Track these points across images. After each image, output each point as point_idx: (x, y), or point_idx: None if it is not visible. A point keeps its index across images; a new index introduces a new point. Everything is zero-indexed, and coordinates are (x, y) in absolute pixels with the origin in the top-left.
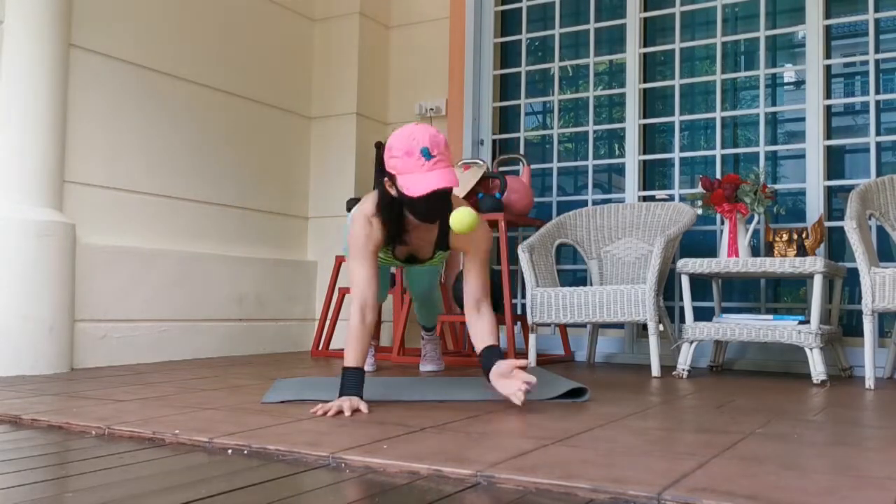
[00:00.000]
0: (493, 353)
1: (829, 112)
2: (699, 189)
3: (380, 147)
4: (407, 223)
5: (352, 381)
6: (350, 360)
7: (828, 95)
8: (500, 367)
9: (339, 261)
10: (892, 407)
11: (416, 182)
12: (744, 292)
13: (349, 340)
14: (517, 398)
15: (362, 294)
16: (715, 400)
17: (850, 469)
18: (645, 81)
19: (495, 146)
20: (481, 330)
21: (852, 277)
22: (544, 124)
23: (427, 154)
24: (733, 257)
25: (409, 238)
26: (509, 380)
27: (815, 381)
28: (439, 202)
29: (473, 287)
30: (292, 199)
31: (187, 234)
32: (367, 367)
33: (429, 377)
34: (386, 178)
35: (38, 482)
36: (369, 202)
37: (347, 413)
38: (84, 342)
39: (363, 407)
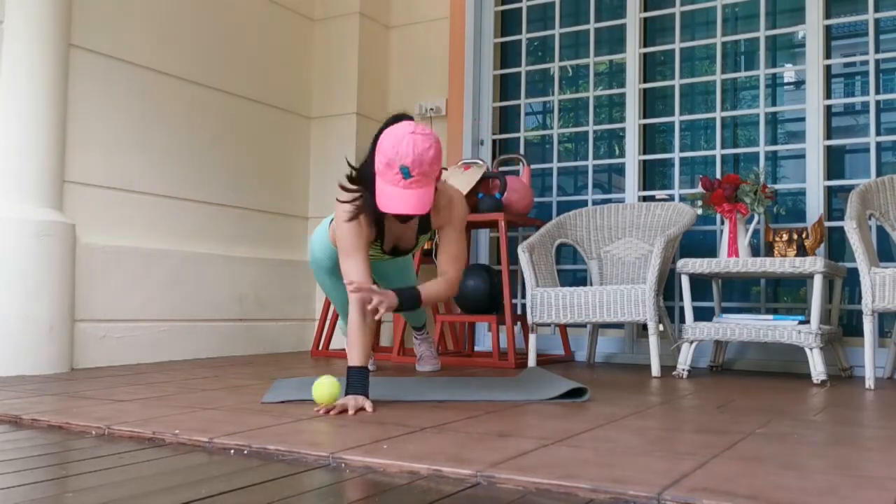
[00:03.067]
0: (405, 291)
1: (829, 112)
2: (699, 189)
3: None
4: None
5: (356, 380)
6: (354, 360)
7: (828, 95)
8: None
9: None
10: (892, 407)
11: (387, 196)
12: (744, 292)
13: (351, 339)
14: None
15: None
16: (715, 400)
17: (850, 469)
18: (645, 81)
19: (495, 146)
20: (434, 283)
21: (852, 277)
22: (544, 124)
23: (406, 173)
24: (733, 257)
25: (392, 224)
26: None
27: (815, 381)
28: (406, 217)
29: (442, 258)
30: (292, 199)
31: (187, 234)
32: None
33: (428, 377)
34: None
35: (38, 482)
36: (345, 204)
37: (351, 412)
38: (84, 342)
39: (368, 406)
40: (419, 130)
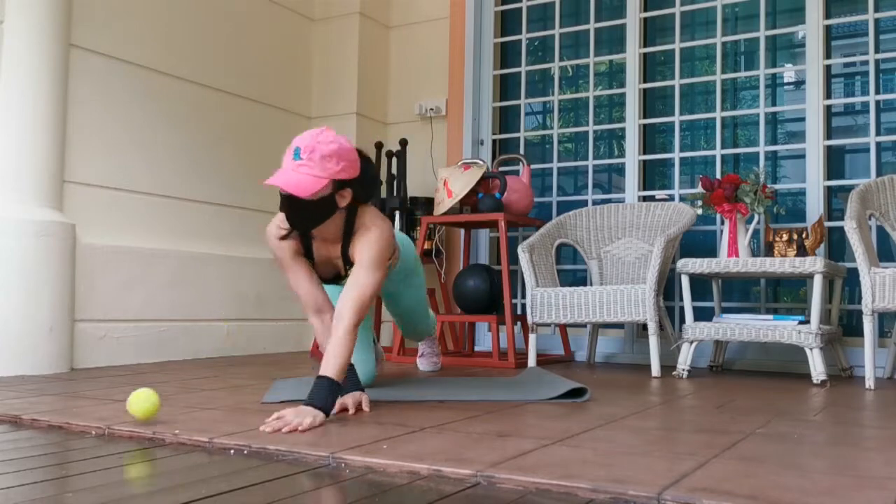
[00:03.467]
0: (321, 389)
1: (829, 112)
2: (699, 189)
3: (380, 147)
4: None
5: (346, 379)
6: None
7: (828, 95)
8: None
9: None
10: (892, 407)
11: (276, 174)
12: (744, 292)
13: (326, 350)
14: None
15: (309, 299)
16: (715, 400)
17: (850, 469)
18: (645, 81)
19: (495, 146)
20: (329, 348)
21: (852, 277)
22: (544, 124)
23: (297, 154)
24: (733, 257)
25: (318, 247)
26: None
27: (815, 381)
28: (290, 204)
29: (343, 296)
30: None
31: (187, 234)
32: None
33: (429, 377)
34: None
35: (38, 482)
36: (279, 217)
37: (352, 410)
38: (84, 342)
39: (365, 404)
40: (333, 133)
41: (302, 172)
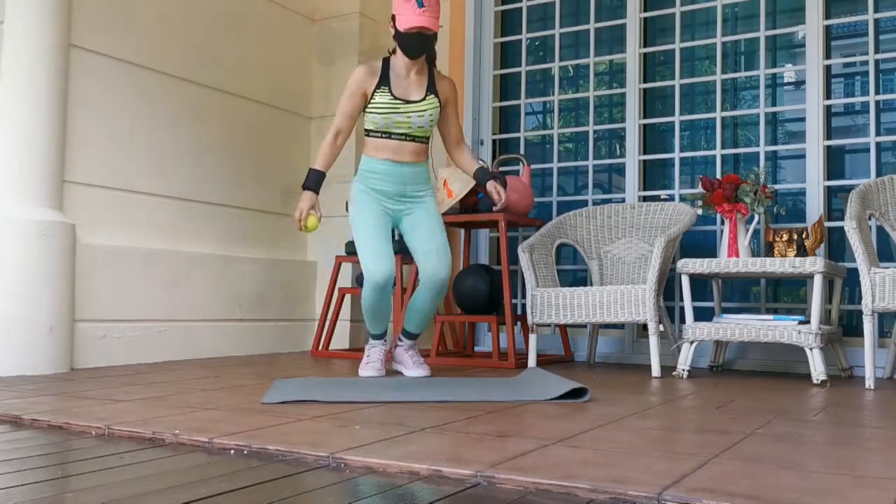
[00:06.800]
0: (486, 172)
1: (829, 112)
2: (699, 189)
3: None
4: (401, 58)
5: (311, 177)
6: (317, 164)
7: (828, 95)
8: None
9: (339, 261)
10: (892, 407)
11: (406, 20)
12: (744, 292)
13: (320, 152)
14: (496, 195)
15: (338, 121)
16: (715, 400)
17: (850, 469)
18: (645, 81)
19: (495, 146)
20: (468, 160)
21: (852, 277)
22: (544, 124)
23: (420, 3)
24: (733, 257)
25: (397, 83)
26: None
27: (815, 381)
28: (420, 39)
29: (452, 132)
30: (292, 199)
31: (187, 234)
32: (374, 373)
33: (428, 378)
34: (391, 19)
35: (38, 482)
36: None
37: (303, 213)
38: (84, 342)
39: (306, 204)
40: None
41: (428, 15)
